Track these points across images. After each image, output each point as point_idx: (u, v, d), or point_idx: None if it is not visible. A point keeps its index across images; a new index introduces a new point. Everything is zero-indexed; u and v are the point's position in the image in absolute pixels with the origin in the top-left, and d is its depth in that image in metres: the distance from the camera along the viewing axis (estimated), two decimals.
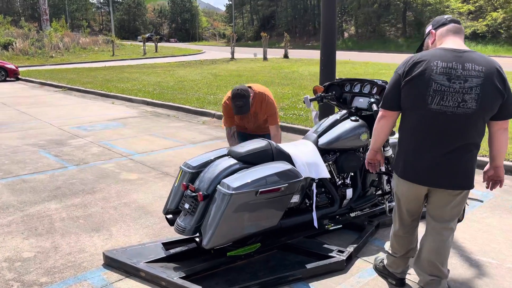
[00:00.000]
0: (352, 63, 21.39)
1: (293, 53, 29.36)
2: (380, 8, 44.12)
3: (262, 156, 2.98)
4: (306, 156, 3.12)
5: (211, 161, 3.08)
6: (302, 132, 7.24)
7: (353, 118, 3.42)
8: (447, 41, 2.29)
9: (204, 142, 6.75)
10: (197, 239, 2.72)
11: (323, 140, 3.31)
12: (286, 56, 25.78)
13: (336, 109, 3.96)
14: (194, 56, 30.42)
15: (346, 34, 47.36)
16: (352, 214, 3.50)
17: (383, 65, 20.28)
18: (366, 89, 3.59)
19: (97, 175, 5.02)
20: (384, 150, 3.53)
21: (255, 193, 2.67)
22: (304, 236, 3.26)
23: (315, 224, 3.13)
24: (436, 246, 2.42)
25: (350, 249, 3.06)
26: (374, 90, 3.52)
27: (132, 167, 5.35)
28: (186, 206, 2.86)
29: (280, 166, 2.83)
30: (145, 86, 13.29)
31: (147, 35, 39.44)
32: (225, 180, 2.72)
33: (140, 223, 3.72)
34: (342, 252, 3.01)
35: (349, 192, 3.40)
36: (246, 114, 3.83)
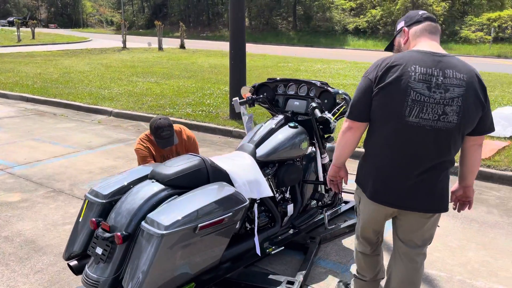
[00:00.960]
0: (250, 55, 21.23)
1: (189, 43, 28.38)
2: (272, 1, 45.10)
3: (196, 177, 2.40)
4: (245, 173, 2.62)
5: (128, 186, 2.42)
6: (214, 131, 6.72)
7: (291, 124, 3.01)
8: (422, 42, 1.96)
9: (104, 146, 5.84)
10: None
11: (261, 151, 2.84)
12: (182, 46, 24.78)
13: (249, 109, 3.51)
14: (79, 45, 27.63)
15: None
16: (291, 231, 3.12)
17: (280, 57, 20.54)
18: (303, 91, 3.20)
19: None
20: (321, 157, 3.21)
21: (193, 229, 2.10)
22: (244, 266, 2.78)
23: (258, 251, 2.67)
24: (409, 276, 2.12)
25: (300, 277, 2.65)
26: (312, 93, 3.15)
27: (13, 185, 4.31)
28: (99, 251, 2.17)
29: (220, 191, 2.29)
30: (23, 79, 11.46)
31: (12, 19, 34.40)
32: (152, 216, 2.10)
33: (29, 265, 2.87)
34: (292, 283, 2.59)
35: (290, 208, 3.00)
36: (168, 152, 3.42)
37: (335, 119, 2.87)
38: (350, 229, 3.42)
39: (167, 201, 2.25)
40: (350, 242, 3.28)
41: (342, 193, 3.59)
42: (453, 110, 1.82)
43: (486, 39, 26.18)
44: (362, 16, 38.99)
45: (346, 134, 2.04)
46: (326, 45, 33.53)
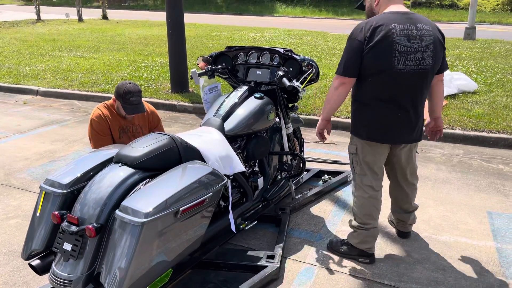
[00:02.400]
0: None
1: (112, 14, 26.50)
2: None
3: (167, 158, 2.22)
4: (217, 149, 2.47)
5: (90, 172, 2.17)
6: (156, 106, 6.34)
7: (257, 95, 2.89)
8: (392, 5, 2.37)
9: (37, 129, 5.30)
10: None
11: (229, 125, 2.69)
12: (105, 17, 23.09)
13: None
14: None
15: None
16: (260, 205, 3.05)
17: (211, 26, 19.94)
18: (265, 59, 3.07)
19: None
20: (286, 127, 3.15)
21: (175, 213, 1.94)
22: (219, 245, 2.68)
23: (233, 228, 2.57)
24: (411, 196, 2.71)
25: (279, 250, 2.61)
26: (275, 61, 3.03)
27: None
28: (67, 246, 1.94)
29: (197, 170, 2.14)
30: None
31: None
32: (127, 203, 1.90)
33: None
34: (272, 257, 2.54)
35: (260, 181, 2.92)
36: (129, 123, 3.15)
37: (304, 87, 2.79)
38: (317, 197, 3.43)
39: (139, 185, 2.06)
40: (318, 210, 3.29)
41: (306, 162, 3.58)
42: (429, 55, 2.29)
43: (406, 4, 27.53)
44: None
45: (339, 89, 2.37)
46: (255, 13, 33.16)
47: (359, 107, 2.44)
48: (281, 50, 2.98)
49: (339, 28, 18.53)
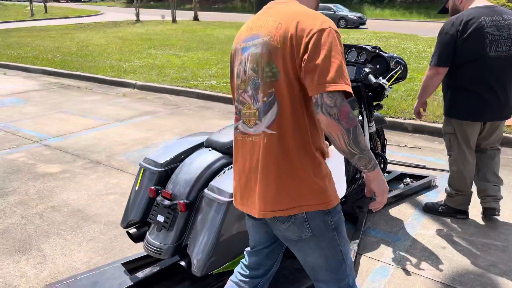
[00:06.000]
0: None
1: (202, 15, 27.94)
2: None
3: None
4: None
5: (182, 154, 2.38)
6: None
7: None
8: (475, 1, 2.67)
9: (133, 118, 5.81)
10: (182, 263, 2.07)
11: None
12: (196, 18, 24.42)
13: None
14: (92, 18, 27.43)
15: None
16: None
17: None
18: (352, 57, 3.09)
19: (4, 170, 3.94)
20: (369, 126, 3.13)
21: None
22: None
23: None
24: (496, 166, 2.93)
25: (354, 246, 2.63)
26: (362, 58, 3.04)
27: (50, 156, 4.32)
28: (160, 218, 2.15)
29: None
30: (42, 53, 11.44)
31: None
32: (215, 183, 2.06)
33: (81, 234, 2.89)
34: None
35: None
36: None
37: (390, 85, 2.77)
38: (396, 199, 3.37)
39: (225, 169, 2.22)
40: (397, 212, 3.23)
41: (388, 165, 3.53)
42: None
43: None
44: None
45: (434, 79, 2.72)
46: None
47: (455, 91, 2.73)
48: (369, 48, 2.98)
49: (431, 31, 17.65)
